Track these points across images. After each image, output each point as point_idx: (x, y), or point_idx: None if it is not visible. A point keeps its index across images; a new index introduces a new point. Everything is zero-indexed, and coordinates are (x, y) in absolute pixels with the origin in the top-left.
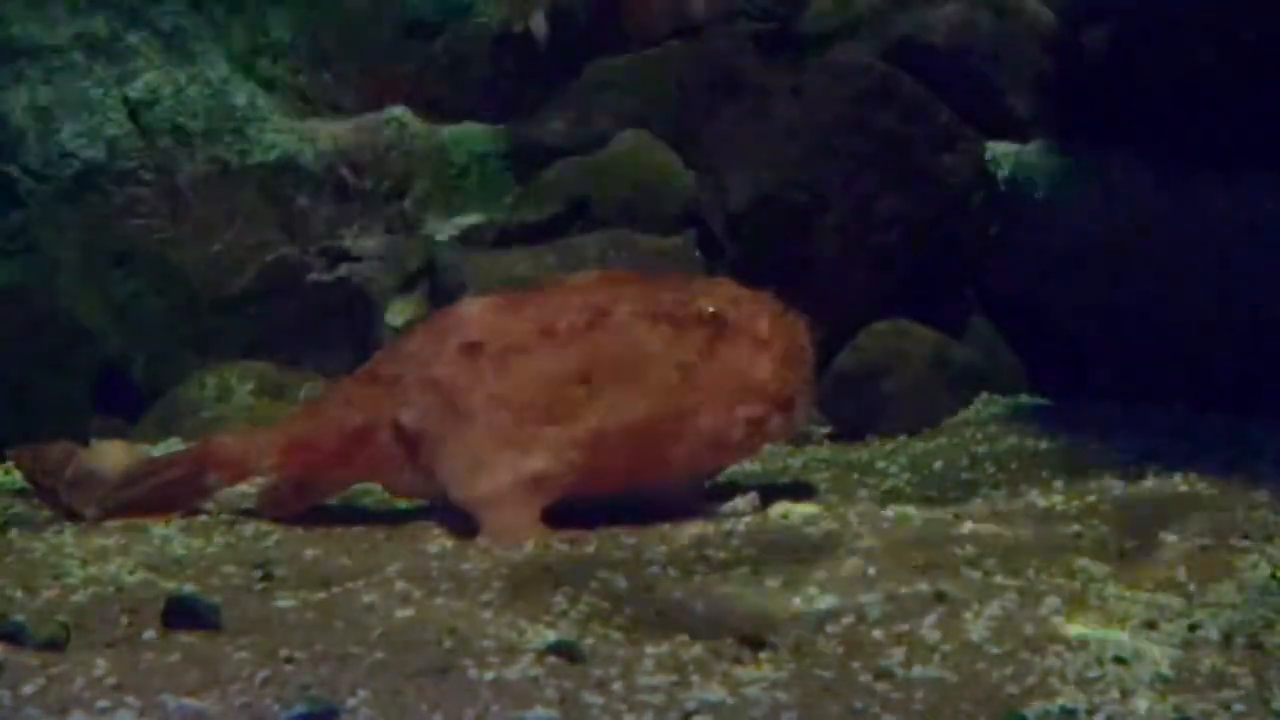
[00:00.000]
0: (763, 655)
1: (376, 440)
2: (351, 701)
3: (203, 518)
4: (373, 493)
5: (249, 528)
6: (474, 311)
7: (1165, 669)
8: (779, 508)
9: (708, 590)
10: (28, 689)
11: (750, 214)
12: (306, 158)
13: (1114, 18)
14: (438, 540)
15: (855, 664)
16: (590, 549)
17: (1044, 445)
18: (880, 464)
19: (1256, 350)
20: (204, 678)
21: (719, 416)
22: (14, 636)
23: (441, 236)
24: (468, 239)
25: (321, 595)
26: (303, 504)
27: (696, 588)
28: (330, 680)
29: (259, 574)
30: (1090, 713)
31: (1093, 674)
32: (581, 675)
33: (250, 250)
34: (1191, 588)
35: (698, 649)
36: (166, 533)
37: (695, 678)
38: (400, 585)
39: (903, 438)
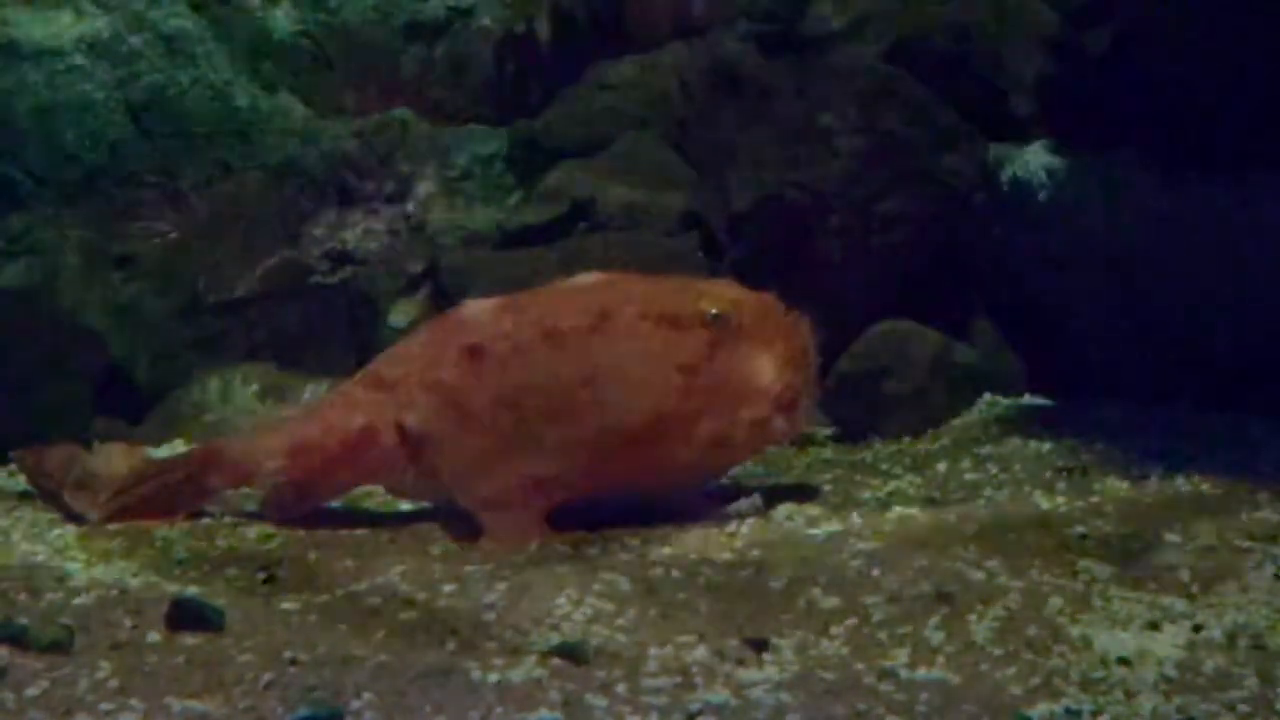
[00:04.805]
0: (766, 657)
1: (380, 442)
2: (355, 704)
3: (206, 520)
4: (375, 495)
5: (252, 530)
6: (477, 313)
7: (1169, 670)
8: (783, 509)
9: (711, 591)
10: (31, 691)
11: (752, 215)
12: (309, 160)
13: (1116, 18)
14: (441, 542)
15: (859, 665)
16: (594, 551)
17: (1047, 446)
18: (883, 465)
19: (1260, 350)
20: (208, 680)
21: (722, 418)
22: (18, 639)
23: (444, 239)
24: (471, 241)
25: (325, 597)
26: (306, 506)
27: (699, 589)
28: (334, 682)
29: (262, 576)
30: (1095, 714)
31: (1097, 675)
32: (585, 677)
33: (253, 253)
34: (1195, 589)
35: (701, 650)
36: (170, 535)
37: (699, 679)
38: (404, 588)
39: (906, 439)
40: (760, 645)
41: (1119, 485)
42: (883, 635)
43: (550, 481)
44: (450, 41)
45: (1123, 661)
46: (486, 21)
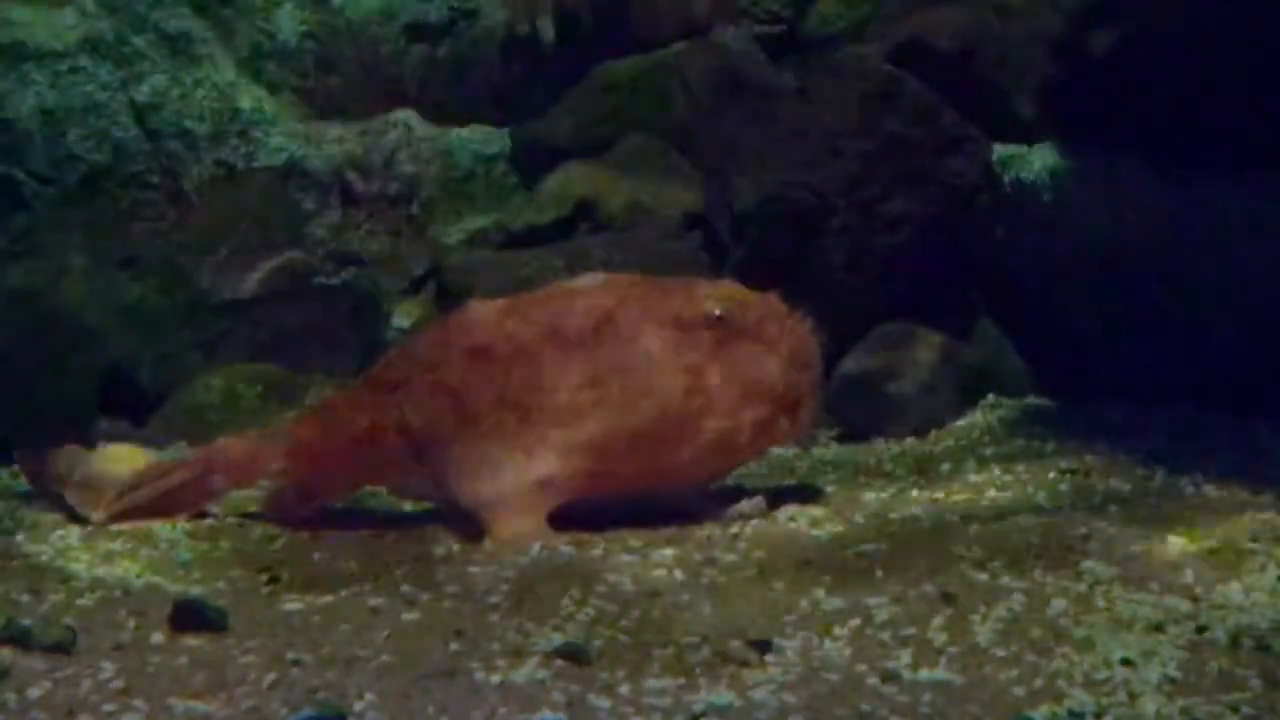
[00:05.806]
0: (769, 658)
1: (383, 443)
2: (359, 705)
3: (209, 521)
4: (379, 496)
5: (256, 531)
6: (480, 315)
7: (1173, 671)
8: (786, 510)
9: (715, 593)
10: (34, 692)
11: (756, 216)
12: (313, 161)
13: (1119, 20)
14: (444, 543)
15: (862, 666)
16: (596, 552)
17: (1050, 447)
18: (887, 466)
19: (1263, 351)
20: (211, 681)
21: (725, 419)
22: (21, 640)
23: (448, 240)
24: (474, 242)
25: (328, 598)
26: (309, 507)
27: (704, 590)
28: (337, 683)
29: (266, 577)
30: (1098, 715)
31: (1100, 676)
32: (588, 678)
33: (257, 253)
34: (1199, 590)
35: (705, 652)
36: (173, 536)
37: (702, 680)
38: (406, 588)
39: (909, 440)
40: (763, 646)
41: (1122, 486)
42: (886, 636)
43: (553, 483)
44: (454, 42)
45: (1126, 663)
46: (490, 22)
